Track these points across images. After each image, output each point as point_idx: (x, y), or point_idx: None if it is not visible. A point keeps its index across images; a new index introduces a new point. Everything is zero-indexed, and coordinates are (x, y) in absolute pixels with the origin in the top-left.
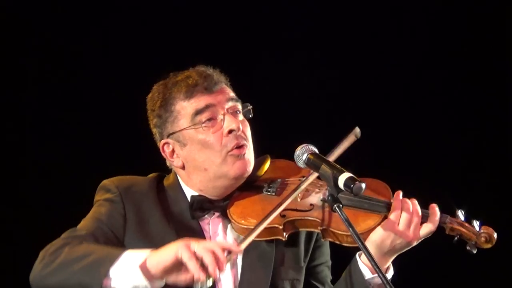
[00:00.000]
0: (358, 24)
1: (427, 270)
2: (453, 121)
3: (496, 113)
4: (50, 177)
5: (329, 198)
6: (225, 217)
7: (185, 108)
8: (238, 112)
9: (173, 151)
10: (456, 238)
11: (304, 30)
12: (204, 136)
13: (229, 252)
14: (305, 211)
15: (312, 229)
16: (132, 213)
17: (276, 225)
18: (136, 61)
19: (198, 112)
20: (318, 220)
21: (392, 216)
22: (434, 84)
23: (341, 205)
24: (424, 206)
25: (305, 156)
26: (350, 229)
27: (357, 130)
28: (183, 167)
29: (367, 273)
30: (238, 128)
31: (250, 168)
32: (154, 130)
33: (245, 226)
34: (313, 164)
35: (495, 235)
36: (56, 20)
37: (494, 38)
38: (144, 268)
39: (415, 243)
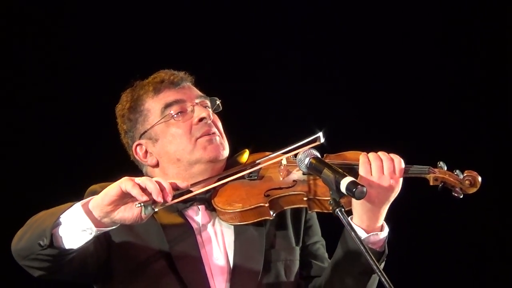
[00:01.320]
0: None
1: (419, 228)
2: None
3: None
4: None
5: (331, 202)
6: (212, 210)
7: (154, 104)
8: (207, 107)
9: (146, 152)
10: (440, 186)
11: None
12: (174, 127)
13: (176, 188)
14: (289, 187)
15: (298, 205)
16: None
17: (262, 204)
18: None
19: (167, 106)
20: (303, 192)
21: (361, 169)
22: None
23: (343, 209)
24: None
25: (307, 160)
26: (352, 233)
27: (321, 135)
28: (157, 164)
29: (362, 233)
30: (209, 116)
31: (224, 152)
32: (125, 138)
33: (232, 211)
34: (315, 168)
35: (479, 178)
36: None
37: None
38: (86, 208)
39: (396, 187)
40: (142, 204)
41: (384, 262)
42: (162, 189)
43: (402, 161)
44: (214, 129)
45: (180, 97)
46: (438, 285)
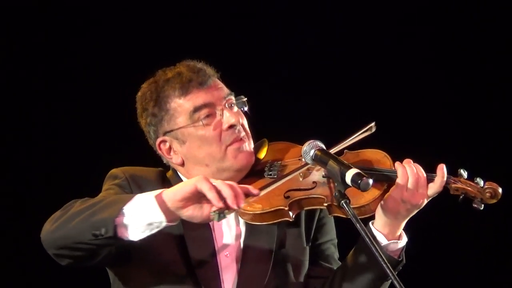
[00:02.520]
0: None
1: (438, 236)
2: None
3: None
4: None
5: (337, 194)
6: None
7: (181, 105)
8: (233, 105)
9: (170, 148)
10: (461, 197)
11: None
12: (203, 132)
13: (247, 195)
14: (309, 189)
15: (318, 207)
16: None
17: (282, 207)
18: (130, 59)
19: (196, 110)
20: (323, 196)
21: (400, 181)
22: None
23: (348, 201)
24: (427, 170)
25: (312, 152)
26: (357, 224)
27: (373, 125)
28: (182, 164)
29: (383, 239)
30: (238, 122)
31: (253, 158)
32: (147, 129)
33: (252, 212)
34: (320, 160)
35: (499, 190)
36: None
37: None
38: (160, 200)
39: (423, 204)
40: (216, 212)
41: (398, 271)
42: (236, 195)
43: (444, 180)
44: (243, 134)
45: (209, 100)
46: None
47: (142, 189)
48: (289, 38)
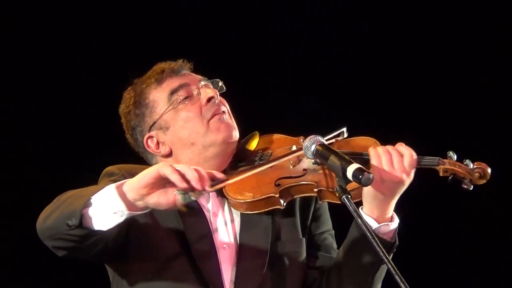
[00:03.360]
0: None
1: (429, 219)
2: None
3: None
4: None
5: (338, 188)
6: (222, 197)
7: (158, 94)
8: (210, 85)
9: (157, 142)
10: (450, 178)
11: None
12: (183, 112)
13: (213, 179)
14: (299, 176)
15: (308, 194)
16: None
17: (272, 194)
18: (129, 56)
19: (173, 92)
20: (313, 182)
21: (373, 161)
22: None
23: (349, 196)
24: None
25: (313, 147)
26: (358, 220)
27: (344, 130)
28: (170, 153)
29: (373, 223)
30: (217, 95)
31: (235, 132)
32: (134, 135)
33: (243, 200)
34: (321, 155)
35: (488, 170)
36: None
37: None
38: (120, 190)
39: (407, 180)
40: (180, 192)
41: (392, 253)
42: (201, 177)
43: (414, 155)
44: (224, 108)
45: (184, 82)
46: (448, 276)
47: None
48: (284, 33)
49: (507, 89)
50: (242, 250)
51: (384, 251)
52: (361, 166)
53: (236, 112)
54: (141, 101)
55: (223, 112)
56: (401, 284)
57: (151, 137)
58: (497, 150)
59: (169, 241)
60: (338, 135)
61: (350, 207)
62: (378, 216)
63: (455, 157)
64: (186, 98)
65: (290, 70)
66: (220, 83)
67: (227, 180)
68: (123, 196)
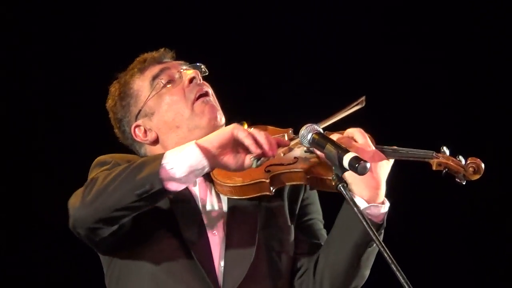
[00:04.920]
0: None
1: (422, 209)
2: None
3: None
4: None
5: (334, 177)
6: (210, 181)
7: (141, 82)
8: (191, 68)
9: (145, 131)
10: (444, 172)
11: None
12: (167, 95)
13: (279, 145)
14: (290, 164)
15: (298, 182)
16: None
17: (263, 180)
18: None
19: (154, 77)
20: (303, 170)
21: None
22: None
23: (346, 185)
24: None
25: (309, 135)
26: (355, 208)
27: (363, 99)
28: (157, 139)
29: (362, 203)
30: (198, 75)
31: (220, 114)
32: (122, 128)
33: (232, 185)
34: (318, 143)
35: (482, 165)
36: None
37: None
38: (200, 146)
39: (386, 162)
40: (254, 157)
41: (382, 235)
42: (271, 143)
43: (361, 131)
44: (206, 88)
45: (165, 66)
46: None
47: None
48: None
49: (504, 88)
50: (230, 237)
51: (373, 229)
52: (358, 155)
53: (230, 106)
54: (126, 92)
55: (206, 93)
56: (392, 266)
57: (138, 126)
58: (492, 146)
59: (160, 226)
60: (357, 104)
61: (347, 196)
62: (369, 198)
63: (448, 152)
64: (168, 82)
65: (288, 66)
66: (202, 67)
67: (289, 144)
68: (205, 152)
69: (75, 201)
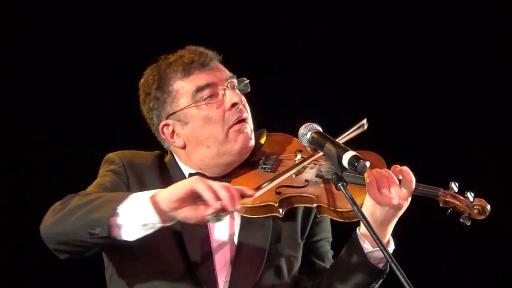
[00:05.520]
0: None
1: (427, 244)
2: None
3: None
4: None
5: (333, 176)
6: None
7: (184, 86)
8: (235, 87)
9: (173, 132)
10: (449, 211)
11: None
12: (206, 112)
13: (243, 196)
14: (300, 187)
15: (308, 205)
16: (135, 184)
17: (272, 203)
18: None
19: (199, 90)
20: (313, 196)
21: (369, 187)
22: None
23: (345, 184)
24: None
25: (309, 134)
26: (354, 207)
27: (365, 122)
28: (184, 147)
29: (368, 246)
30: (241, 101)
31: (252, 142)
32: (150, 114)
33: (241, 205)
34: (317, 142)
35: (488, 207)
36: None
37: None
38: (154, 201)
39: (404, 205)
40: (212, 215)
41: (381, 280)
42: (232, 197)
43: (413, 181)
44: (246, 114)
45: (212, 80)
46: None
47: (138, 176)
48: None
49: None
50: (240, 250)
51: (388, 253)
52: (357, 154)
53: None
54: (164, 87)
55: (244, 119)
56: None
57: (167, 125)
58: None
59: (165, 238)
60: (359, 128)
61: (346, 195)
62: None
63: (456, 188)
64: (210, 97)
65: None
66: (246, 81)
67: (253, 195)
68: (157, 208)
69: (45, 217)
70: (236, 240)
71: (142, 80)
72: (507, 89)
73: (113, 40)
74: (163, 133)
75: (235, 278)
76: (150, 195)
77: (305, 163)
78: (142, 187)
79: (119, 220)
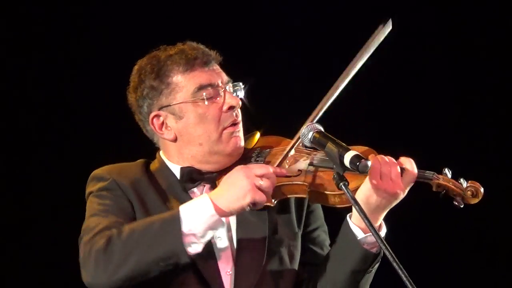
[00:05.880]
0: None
1: (419, 228)
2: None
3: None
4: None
5: (335, 176)
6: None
7: (184, 81)
8: (234, 90)
9: (162, 123)
10: (442, 193)
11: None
12: (203, 110)
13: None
14: (293, 176)
15: (300, 195)
16: (132, 195)
17: None
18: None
19: (201, 88)
20: (306, 183)
21: (372, 170)
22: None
23: (347, 183)
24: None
25: (310, 134)
26: (355, 205)
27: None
28: (175, 140)
29: (359, 233)
30: (238, 105)
31: (242, 144)
32: (140, 102)
33: None
34: (318, 142)
35: (481, 189)
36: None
37: None
38: (218, 209)
39: (401, 195)
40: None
41: (378, 264)
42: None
43: (415, 174)
44: (239, 119)
45: (214, 81)
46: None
47: (132, 187)
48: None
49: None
50: (240, 246)
51: (384, 242)
52: (359, 154)
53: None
54: (162, 78)
55: (238, 123)
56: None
57: (158, 116)
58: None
59: None
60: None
61: (348, 194)
62: (366, 226)
63: (450, 174)
64: (210, 97)
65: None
66: (242, 86)
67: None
68: (222, 214)
69: (91, 266)
70: (234, 233)
71: (136, 67)
72: (508, 88)
73: (113, 40)
74: (152, 123)
75: (239, 274)
76: (209, 205)
77: (299, 141)
78: (138, 196)
79: (188, 233)
